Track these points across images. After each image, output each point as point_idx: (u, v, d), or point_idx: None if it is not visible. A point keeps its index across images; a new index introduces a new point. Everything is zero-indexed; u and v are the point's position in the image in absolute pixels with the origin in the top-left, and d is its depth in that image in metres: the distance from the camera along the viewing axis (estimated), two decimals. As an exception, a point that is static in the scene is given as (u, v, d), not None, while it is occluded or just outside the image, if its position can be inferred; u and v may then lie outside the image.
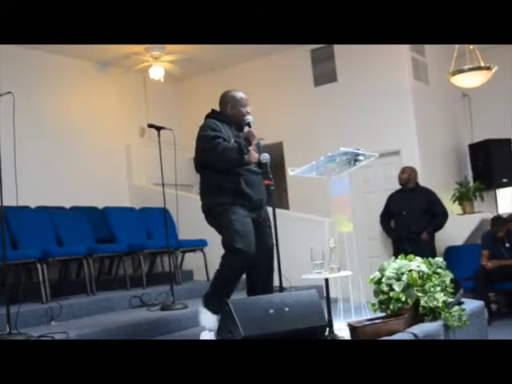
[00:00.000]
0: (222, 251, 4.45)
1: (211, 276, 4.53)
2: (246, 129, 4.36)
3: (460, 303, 4.15)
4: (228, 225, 4.19)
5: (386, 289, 3.88)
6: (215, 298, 4.19)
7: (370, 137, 8.08)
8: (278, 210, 4.68)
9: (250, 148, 4.27)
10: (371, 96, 8.41)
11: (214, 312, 4.15)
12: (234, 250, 4.12)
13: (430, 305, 3.79)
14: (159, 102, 9.71)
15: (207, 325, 4.18)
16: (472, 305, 4.36)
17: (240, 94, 4.53)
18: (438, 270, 4.00)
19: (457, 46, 7.41)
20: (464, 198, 8.49)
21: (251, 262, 4.19)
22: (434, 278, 3.90)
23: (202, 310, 4.23)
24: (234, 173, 4.26)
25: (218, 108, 4.57)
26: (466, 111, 9.49)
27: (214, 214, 4.31)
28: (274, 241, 4.56)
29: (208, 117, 4.49)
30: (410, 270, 3.88)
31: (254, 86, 9.54)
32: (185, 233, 7.29)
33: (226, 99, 4.51)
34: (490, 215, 8.22)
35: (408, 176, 7.61)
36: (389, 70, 8.35)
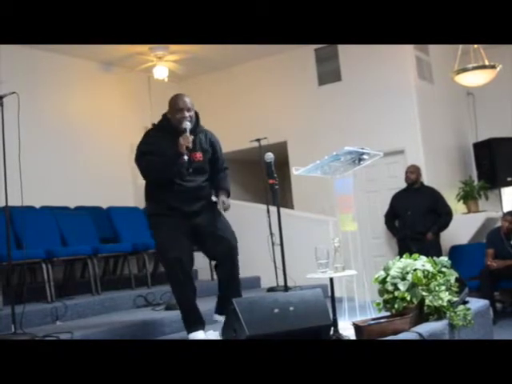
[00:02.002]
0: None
1: (216, 275, 4.53)
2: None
3: (465, 302, 4.15)
4: (157, 238, 4.30)
5: (390, 288, 3.87)
6: (185, 318, 4.25)
7: (374, 136, 8.07)
8: (282, 210, 4.69)
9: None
10: (375, 95, 8.41)
11: (194, 331, 4.19)
12: (165, 260, 4.23)
13: (435, 304, 3.79)
14: (163, 102, 9.57)
15: (210, 336, 4.20)
16: (477, 304, 4.36)
17: (177, 100, 4.33)
18: (443, 269, 3.99)
19: (461, 44, 7.39)
20: (469, 196, 8.47)
21: (186, 267, 4.20)
22: (438, 277, 3.90)
23: (192, 336, 4.23)
24: (163, 186, 4.26)
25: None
26: (470, 110, 9.46)
27: (150, 223, 4.42)
28: (279, 240, 4.56)
29: (152, 125, 4.55)
30: (415, 270, 3.87)
31: (258, 85, 9.58)
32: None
33: (169, 105, 4.40)
34: (494, 214, 8.21)
35: (416, 176, 7.62)
36: (393, 68, 8.33)
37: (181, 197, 4.25)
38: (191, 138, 4.15)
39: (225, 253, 4.31)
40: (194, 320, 4.23)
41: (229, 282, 4.36)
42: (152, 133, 4.42)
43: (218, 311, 4.45)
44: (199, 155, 4.33)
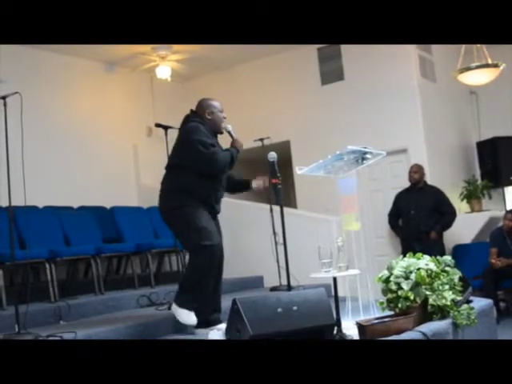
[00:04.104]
0: (226, 251, 4.49)
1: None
2: (229, 136, 4.57)
3: (468, 301, 4.14)
4: (197, 223, 4.30)
5: (394, 287, 3.87)
6: (188, 297, 4.32)
7: (377, 135, 8.07)
8: (285, 209, 4.69)
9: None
10: (378, 94, 8.40)
11: (190, 309, 4.29)
12: (203, 247, 4.23)
13: (439, 303, 3.78)
14: (166, 102, 9.70)
15: (189, 321, 4.30)
16: (480, 303, 4.35)
17: (217, 102, 4.60)
18: (447, 269, 3.98)
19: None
20: (472, 196, 8.47)
21: (219, 257, 4.39)
22: (442, 277, 3.89)
23: (176, 309, 4.33)
24: (209, 181, 4.40)
25: None
26: (473, 109, 9.46)
27: (179, 213, 4.37)
28: (282, 240, 4.57)
29: (193, 120, 4.52)
30: (419, 269, 3.86)
31: (260, 84, 9.58)
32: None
33: (205, 105, 4.57)
34: (498, 213, 8.20)
35: (420, 175, 7.62)
36: (396, 67, 8.33)
37: (219, 195, 4.50)
38: None
39: (220, 264, 4.49)
40: (192, 301, 4.33)
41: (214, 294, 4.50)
42: (202, 128, 4.46)
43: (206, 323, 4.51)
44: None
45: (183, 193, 4.37)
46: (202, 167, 4.35)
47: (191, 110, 4.59)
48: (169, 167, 4.52)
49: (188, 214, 4.33)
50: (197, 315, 4.32)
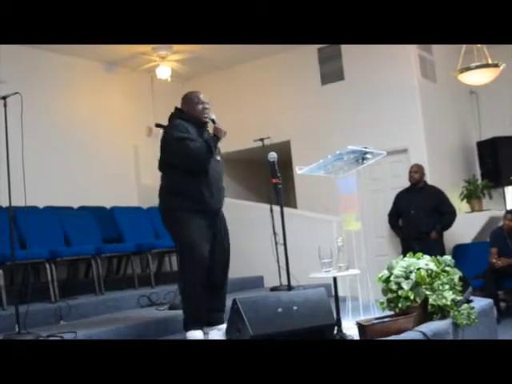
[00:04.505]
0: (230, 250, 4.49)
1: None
2: (211, 125, 4.48)
3: (469, 301, 4.14)
4: (184, 232, 4.30)
5: (394, 287, 3.87)
6: (187, 315, 4.30)
7: (377, 135, 8.07)
8: (285, 209, 4.69)
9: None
10: (379, 94, 8.40)
11: (195, 328, 4.26)
12: (187, 258, 4.29)
13: (439, 303, 3.78)
14: (166, 102, 9.61)
15: (198, 338, 4.24)
16: (481, 303, 4.35)
17: (196, 94, 4.56)
18: (447, 268, 3.98)
19: (464, 43, 7.39)
20: (472, 195, 8.46)
21: (223, 256, 4.44)
22: (442, 276, 3.89)
23: (186, 335, 4.28)
24: (198, 177, 4.34)
25: None
26: (473, 109, 9.45)
27: (173, 217, 4.38)
28: (282, 240, 4.56)
29: (173, 116, 4.55)
30: (419, 269, 3.87)
31: (261, 84, 9.58)
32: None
33: (185, 100, 4.58)
34: (498, 213, 8.19)
35: (420, 175, 7.62)
36: (396, 67, 8.33)
37: (213, 188, 4.39)
38: None
39: (224, 263, 4.48)
40: (197, 319, 4.28)
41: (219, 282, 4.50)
42: (179, 122, 4.46)
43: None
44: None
45: (176, 194, 4.38)
46: (179, 163, 4.34)
47: (175, 108, 4.61)
48: (160, 167, 4.52)
49: (179, 221, 4.33)
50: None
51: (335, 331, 3.87)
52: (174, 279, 6.18)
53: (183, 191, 4.35)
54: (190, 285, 4.27)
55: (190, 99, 4.53)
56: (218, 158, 4.51)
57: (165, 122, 5.97)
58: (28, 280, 5.72)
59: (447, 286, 3.85)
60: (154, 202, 4.69)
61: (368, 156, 4.56)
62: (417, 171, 7.64)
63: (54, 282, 5.56)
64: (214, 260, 4.41)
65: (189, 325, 4.27)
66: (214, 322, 4.45)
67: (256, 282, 7.39)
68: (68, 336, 4.11)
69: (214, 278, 4.45)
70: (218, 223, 4.51)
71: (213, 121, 4.45)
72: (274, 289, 6.50)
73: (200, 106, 4.47)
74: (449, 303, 3.79)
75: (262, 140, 7.32)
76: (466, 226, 8.06)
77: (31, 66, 7.88)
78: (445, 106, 8.81)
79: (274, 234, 6.48)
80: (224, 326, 4.07)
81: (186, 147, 4.26)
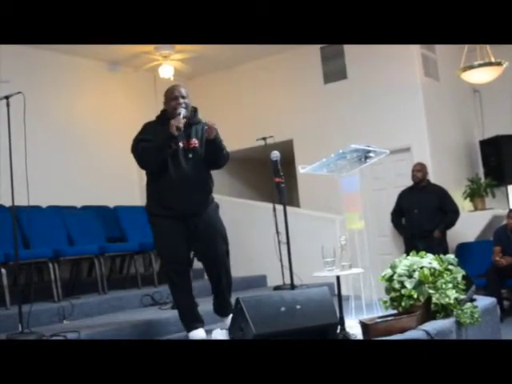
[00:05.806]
0: (230, 249, 4.48)
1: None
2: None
3: (472, 300, 4.14)
4: (158, 238, 4.35)
5: (397, 286, 3.87)
6: (183, 318, 4.32)
7: (380, 134, 8.06)
8: (288, 208, 4.68)
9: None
10: (381, 93, 8.40)
11: (196, 328, 4.26)
12: (164, 263, 4.38)
13: (442, 302, 3.78)
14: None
15: (200, 337, 4.23)
16: (484, 302, 4.34)
17: (171, 90, 4.35)
18: (450, 267, 3.98)
19: (467, 42, 7.38)
20: (475, 194, 8.45)
21: (180, 268, 4.29)
22: (445, 275, 3.89)
23: (188, 336, 4.28)
24: (160, 180, 4.25)
25: None
26: (476, 107, 9.44)
27: (150, 221, 4.42)
28: (285, 239, 4.56)
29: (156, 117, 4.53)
30: (422, 267, 3.86)
31: (263, 83, 9.58)
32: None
33: (164, 97, 4.45)
34: (501, 212, 8.18)
35: (423, 174, 7.61)
36: (399, 66, 8.32)
37: (180, 190, 4.18)
38: (183, 120, 4.10)
39: (214, 258, 4.41)
40: (191, 319, 4.29)
41: (217, 289, 4.53)
42: (149, 125, 4.46)
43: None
44: (194, 141, 4.30)
45: (148, 198, 4.41)
46: (138, 165, 4.34)
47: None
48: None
49: (153, 225, 4.36)
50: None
51: (338, 330, 3.87)
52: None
53: (151, 196, 4.37)
54: (171, 287, 4.32)
55: (165, 96, 4.40)
56: (190, 155, 4.25)
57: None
58: (31, 279, 5.72)
59: (450, 285, 3.85)
60: (157, 201, 4.67)
61: (371, 155, 4.55)
62: (420, 170, 7.63)
63: (57, 282, 5.56)
64: (203, 258, 4.44)
65: (187, 326, 4.28)
66: (222, 314, 4.55)
67: (259, 281, 7.39)
68: (71, 335, 4.11)
69: (211, 273, 4.48)
70: (198, 223, 4.30)
71: (179, 115, 4.14)
72: (277, 288, 6.50)
73: (173, 103, 4.27)
74: (452, 302, 3.79)
75: (264, 139, 7.32)
76: (470, 225, 8.05)
77: (34, 65, 7.89)
78: (448, 105, 8.80)
79: (277, 233, 6.48)
80: (226, 325, 4.09)
81: (138, 149, 4.24)
